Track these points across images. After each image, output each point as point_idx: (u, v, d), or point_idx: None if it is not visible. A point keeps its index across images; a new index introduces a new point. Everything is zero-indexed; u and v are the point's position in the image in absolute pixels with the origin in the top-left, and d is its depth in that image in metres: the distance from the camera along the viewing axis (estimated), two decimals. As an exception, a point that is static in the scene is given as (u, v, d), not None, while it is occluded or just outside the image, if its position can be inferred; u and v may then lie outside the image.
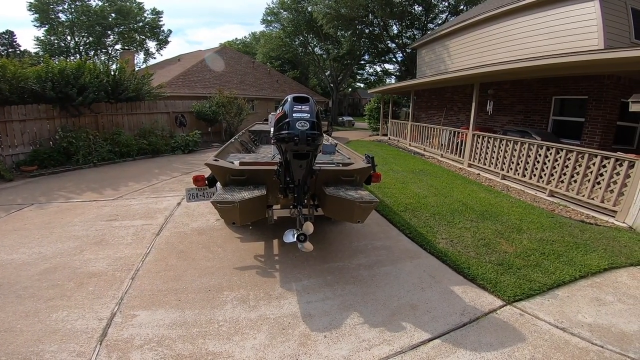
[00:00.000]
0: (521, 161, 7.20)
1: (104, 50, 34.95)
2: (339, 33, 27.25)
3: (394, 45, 28.76)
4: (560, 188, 6.27)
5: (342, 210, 3.41)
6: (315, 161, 3.25)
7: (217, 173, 3.57)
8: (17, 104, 8.57)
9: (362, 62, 34.82)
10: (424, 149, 12.07)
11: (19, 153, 8.61)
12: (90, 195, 6.35)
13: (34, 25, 31.05)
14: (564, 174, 6.20)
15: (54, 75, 8.96)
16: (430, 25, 26.28)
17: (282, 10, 30.47)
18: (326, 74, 34.32)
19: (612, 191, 5.34)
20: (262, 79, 23.90)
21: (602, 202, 5.47)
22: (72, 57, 30.89)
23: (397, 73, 32.24)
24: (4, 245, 4.11)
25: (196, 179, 3.88)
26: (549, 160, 6.51)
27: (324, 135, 3.65)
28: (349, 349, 2.47)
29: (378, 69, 36.94)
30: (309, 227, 2.98)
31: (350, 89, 48.79)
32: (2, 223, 4.89)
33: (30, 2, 29.32)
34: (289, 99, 2.98)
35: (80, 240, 4.25)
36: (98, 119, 10.42)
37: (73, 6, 30.80)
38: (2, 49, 32.20)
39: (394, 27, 27.83)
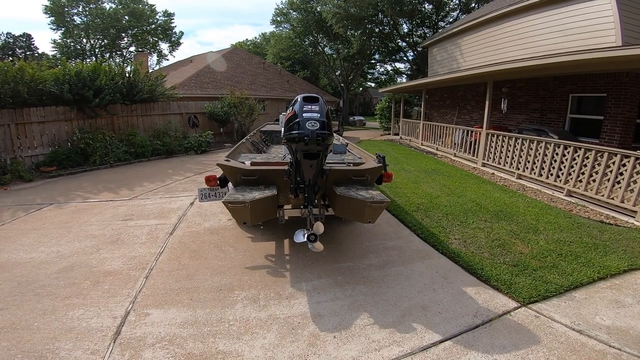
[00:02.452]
0: (537, 160, 7.04)
1: (118, 53, 35.70)
2: (348, 32, 27.12)
3: (404, 44, 28.47)
4: (578, 187, 6.11)
5: (353, 210, 3.39)
6: (326, 161, 3.24)
7: (229, 173, 3.60)
8: (36, 106, 8.84)
9: (373, 61, 34.59)
10: (437, 148, 11.93)
11: (39, 154, 8.87)
12: (107, 195, 6.49)
13: (51, 28, 32.01)
14: (582, 173, 6.04)
15: (71, 77, 9.21)
16: (441, 24, 25.94)
17: (291, 11, 30.49)
18: (336, 73, 34.23)
19: (632, 191, 5.17)
20: (273, 80, 24.02)
21: (622, 202, 5.30)
22: (88, 60, 31.73)
23: (408, 72, 31.97)
24: (23, 244, 4.24)
25: (208, 179, 3.92)
26: (566, 159, 6.34)
27: (335, 135, 3.65)
28: (359, 349, 2.46)
29: (389, 68, 36.68)
30: (319, 227, 2.98)
31: (361, 89, 48.57)
32: (22, 222, 5.04)
33: (45, 5, 30.18)
34: (298, 99, 2.99)
35: (97, 240, 4.35)
36: (114, 120, 10.66)
37: (87, 9, 31.56)
38: (20, 52, 33.20)
39: (404, 25, 27.56)
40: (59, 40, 32.71)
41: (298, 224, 3.47)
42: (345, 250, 4.09)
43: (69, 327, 2.64)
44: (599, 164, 5.73)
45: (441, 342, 2.54)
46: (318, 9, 27.38)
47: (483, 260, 3.78)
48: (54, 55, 31.86)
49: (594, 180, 5.82)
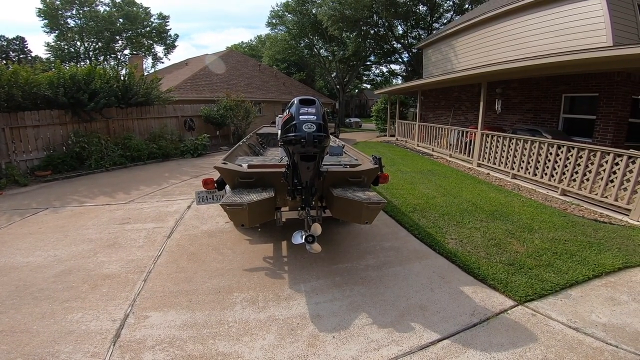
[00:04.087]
0: (532, 160, 7.11)
1: (113, 56, 35.60)
2: (344, 34, 27.27)
3: (399, 45, 28.69)
4: (572, 187, 6.18)
5: (350, 212, 3.41)
6: (323, 163, 3.26)
7: (226, 176, 3.61)
8: (31, 110, 8.78)
9: (368, 63, 34.79)
10: (432, 149, 12.00)
11: (33, 158, 8.82)
12: (103, 199, 6.47)
13: (44, 31, 31.86)
14: (576, 172, 6.11)
15: (66, 80, 9.15)
16: (436, 25, 26.19)
17: (286, 13, 30.63)
18: (332, 75, 34.38)
19: (625, 189, 5.25)
20: (269, 82, 24.04)
21: (616, 200, 5.37)
22: (82, 63, 31.56)
23: (404, 73, 32.13)
24: (20, 248, 4.21)
25: (205, 182, 3.93)
26: (560, 159, 6.42)
27: (331, 136, 3.67)
28: (358, 349, 2.48)
29: (384, 69, 36.89)
30: (317, 229, 3.00)
31: (356, 90, 48.75)
32: (18, 227, 5.01)
33: (39, 8, 30.03)
34: (295, 102, 3.01)
35: (94, 243, 4.34)
36: (109, 123, 10.61)
37: (81, 12, 31.45)
38: (13, 54, 32.96)
39: (399, 27, 27.77)
40: (53, 43, 32.56)
41: (296, 226, 3.49)
42: (343, 251, 4.11)
43: (68, 330, 2.64)
44: (592, 163, 5.80)
45: (439, 341, 2.56)
46: (313, 11, 27.51)
47: (479, 259, 3.82)
48: (47, 59, 31.70)
49: (587, 179, 5.89)
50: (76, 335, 2.58)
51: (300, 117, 2.85)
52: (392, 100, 17.90)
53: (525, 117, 9.97)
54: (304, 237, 2.99)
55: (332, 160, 4.50)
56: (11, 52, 33.41)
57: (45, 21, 30.81)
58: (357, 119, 33.09)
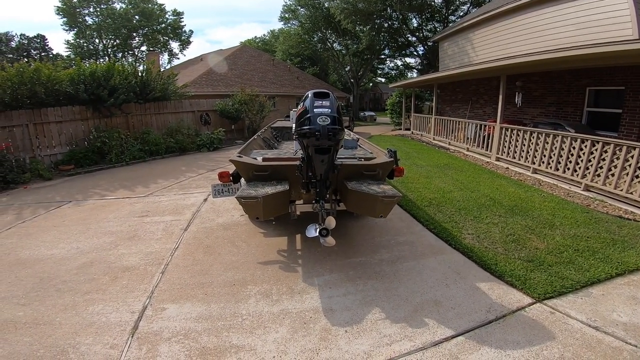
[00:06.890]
0: (554, 154, 6.89)
1: (130, 52, 36.24)
2: (357, 28, 26.89)
3: (414, 38, 28.07)
4: (596, 182, 5.96)
5: (365, 205, 3.39)
6: (337, 156, 3.25)
7: (241, 169, 3.64)
8: (53, 106, 9.06)
9: (382, 56, 34.22)
10: (449, 142, 11.79)
11: (57, 153, 9.13)
12: (123, 192, 6.64)
13: (64, 29, 32.65)
14: (601, 168, 5.89)
15: (86, 77, 9.41)
16: (452, 18, 25.46)
17: (299, 7, 30.41)
18: (346, 69, 34.04)
19: (652, 184, 5.03)
20: (283, 76, 24.02)
21: (641, 196, 5.16)
22: (101, 60, 32.29)
23: (419, 66, 31.52)
24: (44, 240, 4.37)
25: (221, 175, 3.97)
26: (583, 153, 6.19)
27: (346, 130, 3.65)
28: (370, 344, 2.47)
29: (399, 63, 36.23)
30: (331, 222, 3.00)
31: (371, 84, 48.20)
32: (42, 220, 5.20)
33: (58, 6, 30.78)
34: (309, 95, 3.00)
35: (115, 236, 4.46)
36: (128, 119, 10.86)
37: (98, 9, 32.08)
38: (34, 53, 33.95)
39: (414, 20, 27.15)
40: (73, 41, 33.37)
41: (310, 219, 3.49)
42: (357, 245, 4.10)
43: (89, 322, 2.72)
44: (617, 158, 5.58)
45: (453, 337, 2.53)
46: (326, 5, 27.23)
47: (497, 255, 3.74)
48: (68, 56, 32.52)
49: (612, 175, 5.67)
50: (96, 327, 2.66)
51: (315, 110, 2.84)
52: (407, 93, 17.64)
53: (548, 110, 9.65)
54: (318, 230, 2.99)
55: (347, 153, 4.47)
56: (32, 51, 34.42)
57: (64, 19, 31.58)
58: (372, 113, 32.73)
